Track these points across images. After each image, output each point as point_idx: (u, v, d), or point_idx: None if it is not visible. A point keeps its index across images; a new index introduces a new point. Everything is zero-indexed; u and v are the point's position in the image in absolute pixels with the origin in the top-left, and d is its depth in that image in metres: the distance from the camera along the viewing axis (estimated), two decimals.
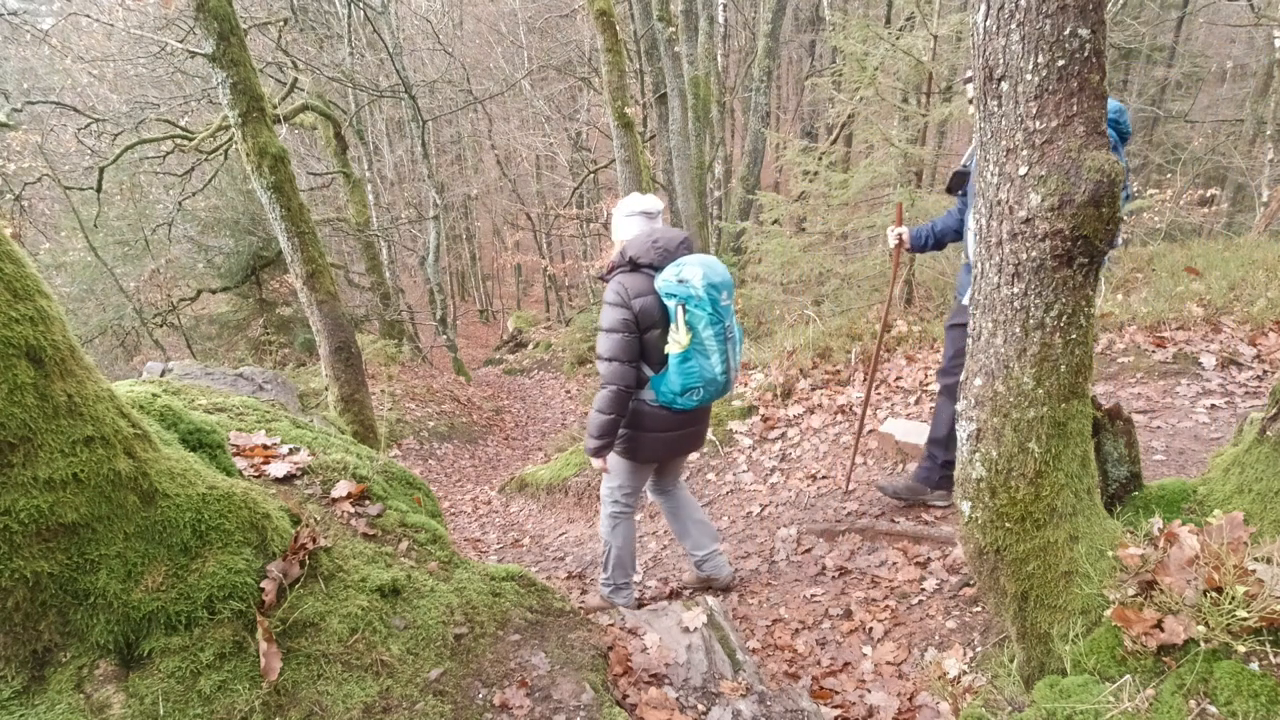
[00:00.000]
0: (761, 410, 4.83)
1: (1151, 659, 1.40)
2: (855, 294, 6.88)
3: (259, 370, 4.26)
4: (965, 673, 2.21)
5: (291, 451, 2.05)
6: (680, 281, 2.41)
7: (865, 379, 3.82)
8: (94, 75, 11.56)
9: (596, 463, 2.73)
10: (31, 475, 1.16)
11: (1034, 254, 1.52)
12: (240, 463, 1.88)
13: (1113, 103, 2.55)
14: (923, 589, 2.84)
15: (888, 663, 2.50)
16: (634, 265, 2.54)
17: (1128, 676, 1.41)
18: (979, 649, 2.35)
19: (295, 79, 10.11)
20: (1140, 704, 1.34)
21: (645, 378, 2.60)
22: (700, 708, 1.96)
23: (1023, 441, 1.64)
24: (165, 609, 1.32)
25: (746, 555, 3.55)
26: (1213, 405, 3.76)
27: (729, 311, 2.50)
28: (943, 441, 3.16)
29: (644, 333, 2.52)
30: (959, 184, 2.88)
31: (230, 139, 8.75)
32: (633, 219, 2.65)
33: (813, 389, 4.85)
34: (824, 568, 3.25)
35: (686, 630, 2.27)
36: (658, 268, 2.51)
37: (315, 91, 11.43)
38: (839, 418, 4.51)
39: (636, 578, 3.08)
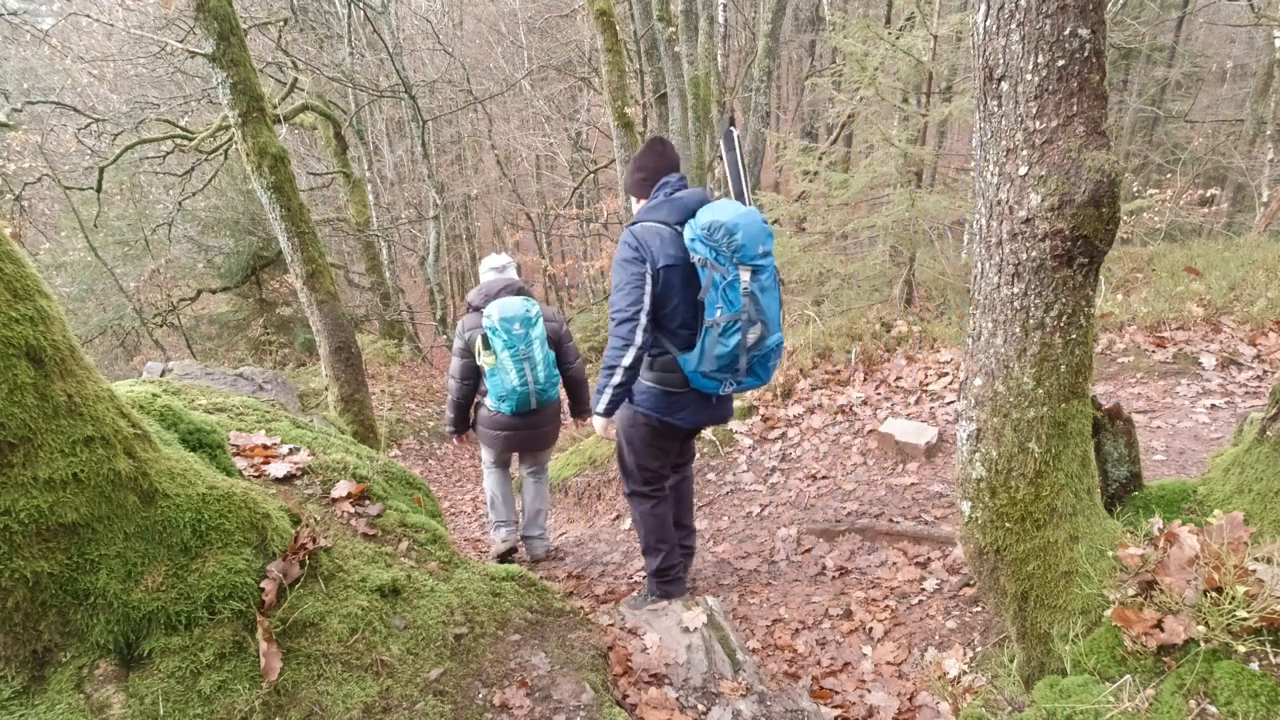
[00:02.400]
0: (761, 410, 4.83)
1: (1151, 659, 1.40)
2: (855, 294, 6.88)
3: (259, 370, 4.26)
4: (965, 673, 2.21)
5: (291, 451, 2.05)
6: (486, 317, 3.25)
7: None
8: (94, 75, 11.56)
9: (456, 440, 3.76)
10: (31, 475, 1.16)
11: (1034, 254, 1.52)
12: (240, 463, 1.88)
13: (726, 214, 2.34)
14: (923, 589, 2.84)
15: (888, 663, 2.50)
16: (471, 308, 3.45)
17: (1128, 676, 1.41)
18: (979, 649, 2.35)
19: (295, 79, 10.11)
20: (1140, 704, 1.34)
21: (485, 389, 3.48)
22: (700, 708, 1.95)
23: (1023, 441, 1.64)
24: (165, 609, 1.32)
25: (746, 555, 3.55)
26: (1213, 405, 3.76)
27: (523, 339, 3.26)
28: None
29: (475, 356, 3.43)
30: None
31: (230, 139, 8.75)
32: (488, 273, 3.55)
33: (813, 389, 4.85)
34: (824, 568, 3.25)
35: (686, 630, 2.27)
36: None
37: (315, 91, 11.43)
38: (839, 418, 4.51)
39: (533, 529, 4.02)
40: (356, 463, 2.10)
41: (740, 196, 2.69)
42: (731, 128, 2.72)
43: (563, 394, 3.70)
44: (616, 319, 2.44)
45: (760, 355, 2.48)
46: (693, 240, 2.38)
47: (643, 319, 2.40)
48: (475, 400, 3.65)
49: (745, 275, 2.35)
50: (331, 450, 2.14)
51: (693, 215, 2.44)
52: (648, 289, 2.40)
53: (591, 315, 14.23)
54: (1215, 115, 15.12)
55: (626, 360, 2.43)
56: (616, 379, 2.47)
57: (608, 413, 2.58)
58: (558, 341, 3.52)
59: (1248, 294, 4.74)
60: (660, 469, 2.86)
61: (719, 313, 2.38)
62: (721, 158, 2.89)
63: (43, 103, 9.71)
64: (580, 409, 3.77)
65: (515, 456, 3.90)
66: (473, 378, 3.52)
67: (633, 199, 2.68)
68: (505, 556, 3.89)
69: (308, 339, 10.70)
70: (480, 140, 20.91)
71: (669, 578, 2.94)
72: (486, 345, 3.28)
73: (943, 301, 6.44)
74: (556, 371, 3.48)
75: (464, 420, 3.68)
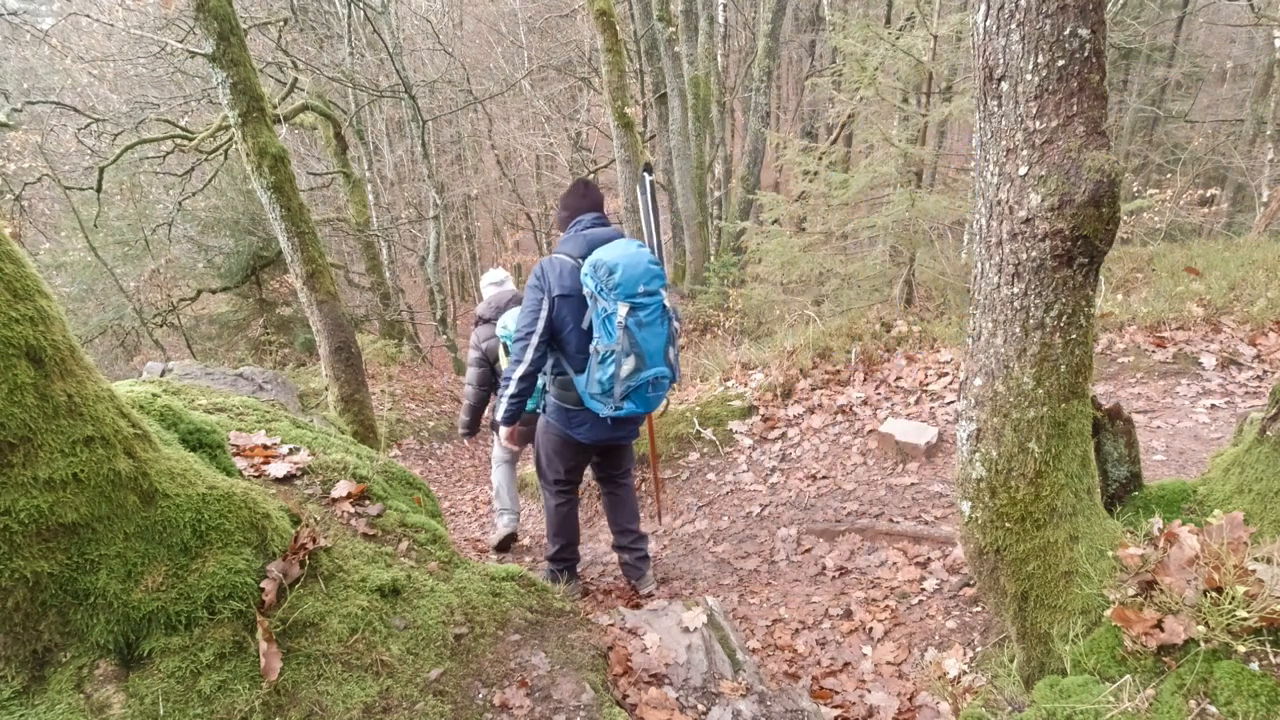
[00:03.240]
0: (761, 410, 4.83)
1: (1151, 659, 1.40)
2: (855, 294, 6.88)
3: (259, 370, 4.26)
4: (965, 673, 2.21)
5: (291, 451, 2.05)
6: (503, 328, 3.58)
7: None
8: (94, 75, 11.55)
9: (466, 440, 4.27)
10: (31, 475, 1.16)
11: (1034, 254, 1.52)
12: (240, 463, 1.88)
13: (617, 253, 2.57)
14: (923, 589, 2.84)
15: (888, 663, 2.50)
16: (483, 320, 3.87)
17: (1128, 676, 1.41)
18: (979, 649, 2.35)
19: (295, 79, 10.10)
20: (1140, 704, 1.34)
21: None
22: (700, 708, 1.95)
23: (1023, 441, 1.64)
24: (165, 609, 1.32)
25: (746, 555, 3.55)
26: (1213, 405, 3.76)
27: None
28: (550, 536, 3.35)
29: (493, 364, 3.89)
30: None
31: (230, 139, 8.74)
32: (489, 287, 4.05)
33: (813, 389, 4.85)
34: (824, 568, 3.25)
35: (686, 630, 2.27)
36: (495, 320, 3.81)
37: (315, 91, 11.42)
38: (839, 418, 4.51)
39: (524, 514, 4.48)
40: (356, 463, 2.10)
41: (649, 238, 3.06)
42: (645, 173, 3.08)
43: None
44: (514, 338, 2.76)
45: (635, 386, 2.65)
46: (585, 275, 2.62)
47: (534, 340, 2.70)
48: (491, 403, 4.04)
49: (623, 310, 2.54)
50: (331, 450, 2.14)
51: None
52: (543, 314, 2.68)
53: None
54: (1215, 115, 15.11)
55: (517, 374, 2.74)
56: (510, 390, 2.78)
57: (506, 421, 2.91)
58: None
59: (1248, 294, 4.74)
60: (568, 475, 3.14)
61: (599, 342, 2.62)
62: (638, 199, 3.28)
63: (43, 103, 9.69)
64: None
65: (519, 454, 4.33)
66: (488, 384, 3.94)
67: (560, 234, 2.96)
68: (505, 543, 4.21)
69: (308, 339, 10.70)
70: (480, 140, 20.91)
71: (562, 566, 3.31)
72: (506, 352, 3.54)
73: (943, 301, 6.44)
74: None
75: (477, 424, 4.18)
